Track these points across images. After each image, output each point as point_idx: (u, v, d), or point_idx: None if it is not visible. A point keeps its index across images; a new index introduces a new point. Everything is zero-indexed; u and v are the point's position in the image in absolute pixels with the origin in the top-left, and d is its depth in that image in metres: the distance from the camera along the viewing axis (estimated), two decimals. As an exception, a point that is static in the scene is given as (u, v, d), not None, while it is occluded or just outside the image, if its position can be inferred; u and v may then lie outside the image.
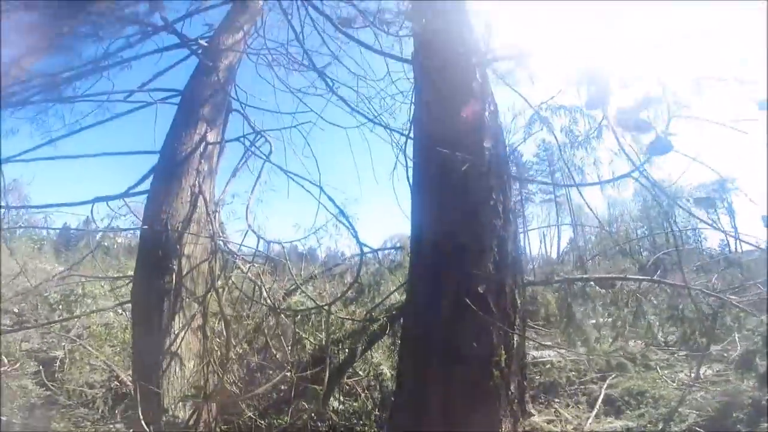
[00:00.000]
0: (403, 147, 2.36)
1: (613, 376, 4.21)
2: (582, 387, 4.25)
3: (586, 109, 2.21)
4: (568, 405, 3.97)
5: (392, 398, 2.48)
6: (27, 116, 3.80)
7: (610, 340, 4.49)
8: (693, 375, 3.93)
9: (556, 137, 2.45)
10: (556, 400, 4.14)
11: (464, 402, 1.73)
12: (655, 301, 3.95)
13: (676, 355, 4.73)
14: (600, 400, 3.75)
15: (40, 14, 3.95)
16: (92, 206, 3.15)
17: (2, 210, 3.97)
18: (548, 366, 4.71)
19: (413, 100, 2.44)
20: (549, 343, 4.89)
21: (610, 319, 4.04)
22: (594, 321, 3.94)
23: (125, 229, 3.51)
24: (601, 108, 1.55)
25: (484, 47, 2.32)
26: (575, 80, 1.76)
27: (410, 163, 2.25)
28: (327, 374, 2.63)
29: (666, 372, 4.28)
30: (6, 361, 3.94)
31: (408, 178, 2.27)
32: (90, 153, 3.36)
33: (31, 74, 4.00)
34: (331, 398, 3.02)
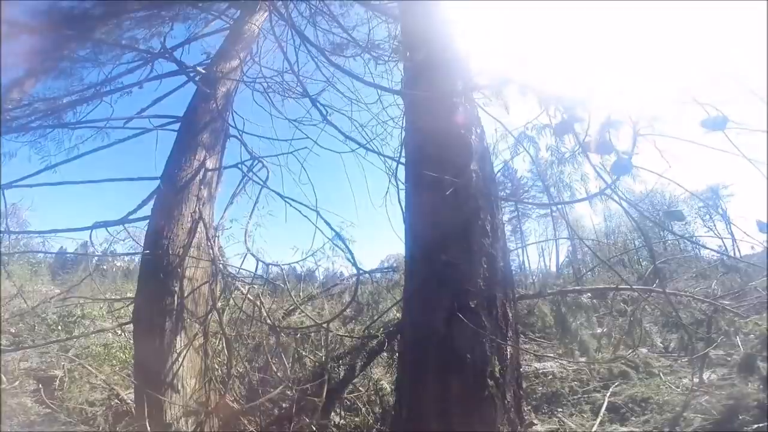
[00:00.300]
0: (395, 171, 2.47)
1: (616, 384, 4.23)
2: (585, 396, 4.25)
3: (555, 135, 2.33)
4: (571, 414, 3.97)
5: (392, 412, 2.53)
6: (27, 140, 3.88)
7: (611, 349, 4.53)
8: (696, 380, 3.96)
9: (532, 157, 2.57)
10: (559, 409, 4.14)
11: (461, 412, 1.79)
12: (649, 309, 4.01)
13: (679, 361, 4.76)
14: (604, 407, 3.75)
15: (41, 38, 4.08)
16: (91, 231, 3.20)
17: (2, 234, 4.01)
18: (550, 377, 4.74)
19: (403, 126, 2.56)
20: (551, 355, 4.92)
21: (604, 329, 4.09)
22: (592, 331, 4.00)
23: (124, 254, 3.57)
24: (570, 133, 1.66)
25: (469, 74, 2.45)
26: (548, 106, 1.88)
27: (401, 187, 2.35)
28: (327, 389, 2.68)
29: (669, 378, 4.30)
30: (5, 379, 3.95)
31: (399, 201, 2.37)
32: (90, 178, 3.45)
33: (31, 98, 4.12)
34: (333, 413, 3.05)
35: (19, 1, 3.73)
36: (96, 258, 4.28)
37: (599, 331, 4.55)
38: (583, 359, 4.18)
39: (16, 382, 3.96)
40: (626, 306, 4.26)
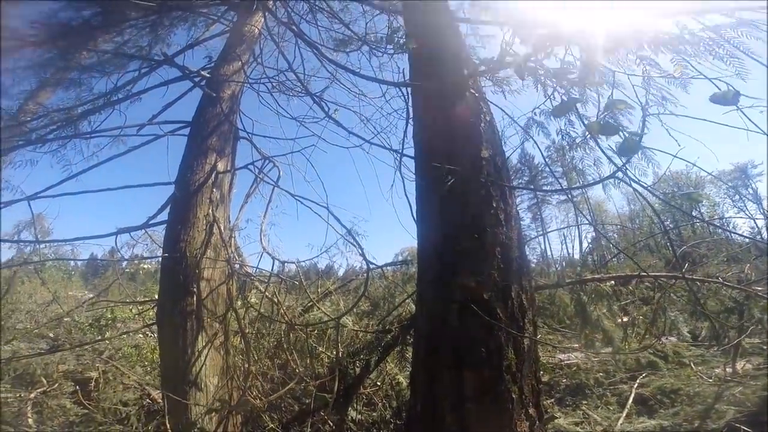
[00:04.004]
0: (399, 164, 2.45)
1: (643, 375, 4.10)
2: (611, 388, 4.14)
3: (554, 116, 2.25)
4: (597, 406, 3.87)
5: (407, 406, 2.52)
6: (47, 150, 4.02)
7: (638, 339, 4.39)
8: (729, 370, 3.79)
9: (536, 144, 2.49)
10: (584, 401, 4.05)
11: (476, 406, 1.76)
12: (675, 297, 3.85)
13: (711, 351, 4.56)
14: (631, 399, 3.64)
15: (47, 49, 4.23)
16: (116, 237, 3.32)
17: (34, 244, 4.20)
18: (574, 368, 4.63)
19: (408, 117, 2.52)
20: (575, 346, 4.80)
21: (628, 318, 3.95)
22: (615, 321, 3.87)
23: (148, 258, 3.69)
24: (570, 112, 1.58)
25: (474, 61, 2.38)
26: (551, 90, 1.81)
27: (409, 179, 2.32)
28: (342, 384, 2.71)
29: (701, 368, 4.13)
30: (45, 382, 4.17)
31: (406, 194, 2.35)
32: (108, 185, 3.56)
33: (47, 109, 4.28)
34: (350, 408, 3.08)
35: (21, 14, 3.86)
36: (122, 263, 4.44)
37: (625, 320, 4.40)
38: (607, 350, 4.06)
39: (56, 385, 4.14)
40: (653, 293, 4.10)
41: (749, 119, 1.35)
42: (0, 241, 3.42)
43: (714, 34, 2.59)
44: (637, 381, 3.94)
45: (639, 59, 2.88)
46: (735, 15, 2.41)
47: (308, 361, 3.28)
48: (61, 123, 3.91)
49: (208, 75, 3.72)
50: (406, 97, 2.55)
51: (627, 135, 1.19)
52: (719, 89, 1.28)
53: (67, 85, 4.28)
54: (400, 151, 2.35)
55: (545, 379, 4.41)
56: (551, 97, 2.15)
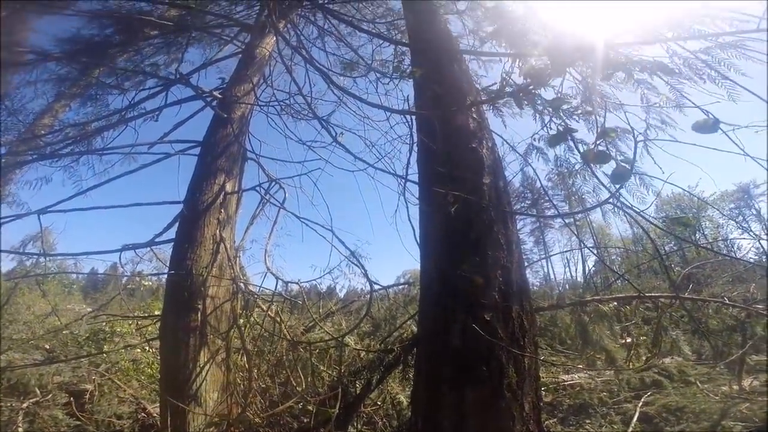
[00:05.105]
0: (403, 189, 2.53)
1: (648, 393, 4.07)
2: (615, 407, 4.10)
3: (549, 146, 2.34)
4: (600, 425, 3.83)
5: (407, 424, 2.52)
6: (60, 165, 4.10)
7: (641, 358, 4.37)
8: (735, 387, 3.77)
9: (534, 170, 2.58)
10: (587, 421, 4.01)
11: (477, 424, 1.78)
12: (675, 317, 3.87)
13: (717, 369, 4.54)
14: (635, 418, 3.61)
15: (66, 65, 4.38)
16: (120, 253, 3.37)
17: (39, 257, 4.24)
18: (578, 388, 4.59)
19: (412, 143, 2.62)
20: (580, 366, 4.77)
21: (630, 339, 3.96)
22: (616, 341, 3.88)
23: (152, 274, 3.73)
24: (564, 142, 1.66)
25: (477, 87, 2.49)
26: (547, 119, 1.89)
27: (412, 203, 2.40)
28: (343, 402, 2.71)
29: (707, 386, 4.11)
30: (39, 392, 4.13)
31: (410, 218, 2.41)
32: (118, 202, 3.61)
33: (62, 124, 4.40)
34: (350, 427, 3.06)
35: (42, 29, 4.01)
36: (125, 278, 4.47)
37: (628, 340, 4.39)
38: (610, 369, 4.04)
39: (49, 396, 4.09)
40: (654, 314, 4.11)
41: (734, 142, 1.42)
42: (8, 253, 3.45)
43: (706, 56, 2.71)
44: (642, 399, 3.91)
45: (637, 83, 3.00)
46: (718, 41, 2.53)
47: (309, 380, 3.27)
48: (75, 138, 4.01)
49: (220, 96, 3.84)
50: (410, 123, 2.66)
51: (618, 162, 1.26)
52: (707, 115, 1.36)
53: (83, 101, 4.41)
54: (404, 176, 2.43)
55: (548, 399, 4.38)
56: (548, 125, 2.24)
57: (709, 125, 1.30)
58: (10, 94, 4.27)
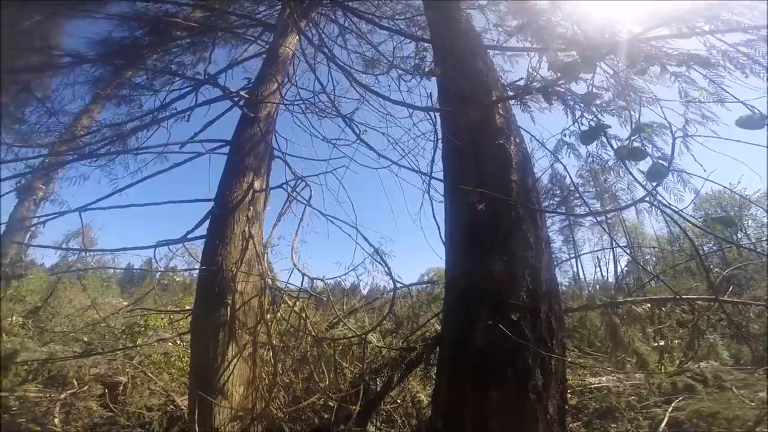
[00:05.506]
0: (428, 186, 2.51)
1: (679, 398, 3.90)
2: (644, 411, 3.95)
3: (582, 143, 2.25)
4: (627, 430, 3.71)
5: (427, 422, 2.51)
6: (98, 165, 4.31)
7: (675, 362, 4.18)
8: None
9: (566, 169, 2.50)
10: (613, 425, 3.88)
11: (500, 424, 1.76)
12: (713, 321, 3.68)
13: (756, 375, 4.30)
14: (664, 423, 3.47)
15: (100, 67, 4.59)
16: (155, 249, 3.51)
17: (80, 253, 4.48)
18: (605, 392, 4.45)
19: (436, 139, 2.60)
20: (609, 369, 4.62)
21: (663, 342, 3.79)
22: (648, 344, 3.72)
23: (184, 269, 3.88)
24: (597, 139, 1.60)
25: (503, 82, 2.44)
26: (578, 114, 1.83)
27: (437, 200, 2.38)
28: (365, 399, 2.74)
29: (743, 392, 3.90)
30: (76, 384, 4.36)
31: (434, 216, 2.40)
32: (151, 199, 3.77)
33: (99, 124, 4.62)
34: (370, 424, 3.08)
35: (75, 32, 4.21)
36: (159, 273, 4.66)
37: (661, 343, 4.21)
38: (641, 373, 3.89)
39: (86, 387, 4.28)
40: (690, 317, 3.92)
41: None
42: (53, 248, 3.67)
43: (748, 49, 2.55)
44: (672, 404, 3.74)
45: (674, 77, 2.84)
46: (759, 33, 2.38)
47: (332, 376, 3.32)
48: (111, 138, 4.21)
49: (247, 96, 3.92)
50: (434, 120, 2.63)
51: (655, 160, 1.21)
52: (752, 110, 1.28)
53: (117, 102, 4.62)
54: (429, 173, 2.42)
55: (573, 402, 4.26)
56: (579, 120, 2.17)
57: (755, 121, 1.23)
58: (50, 96, 4.53)
